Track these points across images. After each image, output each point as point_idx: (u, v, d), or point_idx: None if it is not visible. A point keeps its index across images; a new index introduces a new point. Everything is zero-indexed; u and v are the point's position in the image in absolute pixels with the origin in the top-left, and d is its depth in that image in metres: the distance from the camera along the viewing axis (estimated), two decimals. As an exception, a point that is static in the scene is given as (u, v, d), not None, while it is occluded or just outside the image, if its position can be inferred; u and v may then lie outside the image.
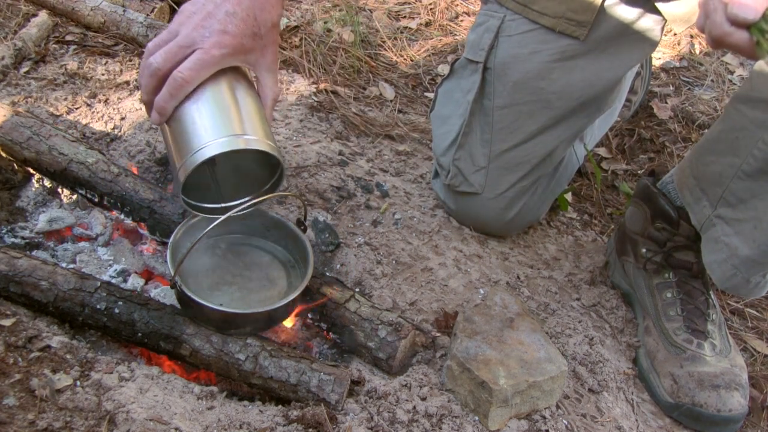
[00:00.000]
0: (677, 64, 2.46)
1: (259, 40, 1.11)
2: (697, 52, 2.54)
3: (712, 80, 2.39)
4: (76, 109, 1.71)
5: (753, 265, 1.30)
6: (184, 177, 1.07)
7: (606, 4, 1.39)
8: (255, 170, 1.22)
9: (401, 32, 2.36)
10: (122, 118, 1.70)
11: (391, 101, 2.07)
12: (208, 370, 1.21)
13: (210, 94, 1.07)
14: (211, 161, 1.11)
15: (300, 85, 2.00)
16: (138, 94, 1.78)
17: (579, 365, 1.40)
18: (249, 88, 1.12)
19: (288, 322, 1.35)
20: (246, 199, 1.22)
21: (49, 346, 1.13)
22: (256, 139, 1.07)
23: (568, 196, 1.81)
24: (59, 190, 1.49)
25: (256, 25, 1.09)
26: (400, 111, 2.03)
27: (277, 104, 1.90)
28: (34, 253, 1.35)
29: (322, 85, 2.01)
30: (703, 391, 1.36)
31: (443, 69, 2.23)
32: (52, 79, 1.77)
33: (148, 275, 1.41)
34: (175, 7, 2.07)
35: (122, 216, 1.44)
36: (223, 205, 1.22)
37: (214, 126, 1.06)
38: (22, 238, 1.39)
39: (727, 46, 0.93)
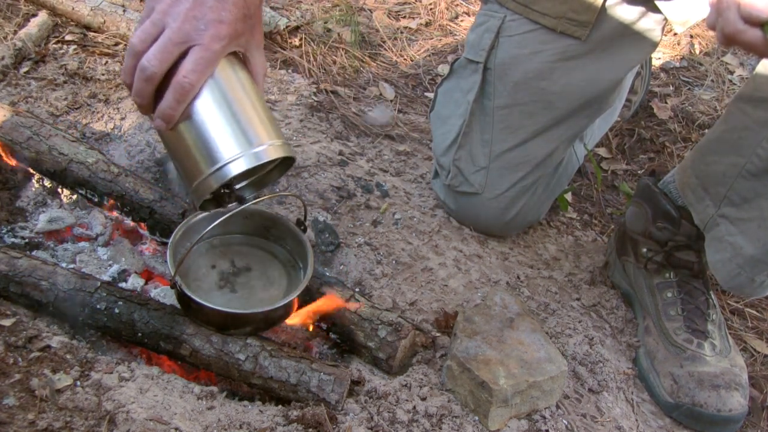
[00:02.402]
0: (677, 64, 2.46)
1: (250, 21, 1.05)
2: (697, 52, 2.54)
3: (712, 80, 2.39)
4: (76, 109, 1.71)
5: (757, 265, 1.30)
6: (205, 195, 1.05)
7: (607, 4, 1.39)
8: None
9: (401, 32, 2.36)
10: (122, 118, 1.70)
11: (391, 101, 2.07)
12: (208, 370, 1.21)
13: (213, 90, 1.04)
14: None
15: (300, 85, 2.00)
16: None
17: (579, 365, 1.40)
18: (244, 71, 1.09)
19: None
20: (252, 193, 1.21)
21: (49, 346, 1.13)
22: (270, 147, 1.05)
23: (568, 196, 1.81)
24: (59, 190, 1.49)
25: (245, 6, 1.02)
26: (400, 111, 2.03)
27: (277, 104, 1.90)
28: (34, 253, 1.35)
29: (322, 85, 2.01)
30: (703, 391, 1.36)
31: (443, 69, 2.23)
32: (52, 79, 1.77)
33: (148, 275, 1.41)
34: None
35: (122, 216, 1.44)
36: (232, 189, 1.20)
37: (226, 137, 1.03)
38: (22, 238, 1.39)
39: (740, 44, 0.93)
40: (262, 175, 1.19)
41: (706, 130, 2.14)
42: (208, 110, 1.03)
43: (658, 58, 2.46)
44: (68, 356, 1.13)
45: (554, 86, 1.48)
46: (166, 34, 0.98)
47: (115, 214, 1.45)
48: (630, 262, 1.56)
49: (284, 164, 1.16)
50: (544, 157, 1.56)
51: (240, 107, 1.05)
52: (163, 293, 1.34)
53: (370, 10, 2.42)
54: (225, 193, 1.17)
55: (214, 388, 1.17)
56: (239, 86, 1.07)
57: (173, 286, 1.16)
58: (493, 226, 1.63)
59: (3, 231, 1.40)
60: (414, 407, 1.19)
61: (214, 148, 1.03)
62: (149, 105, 1.03)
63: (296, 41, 2.17)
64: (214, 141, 1.03)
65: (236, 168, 1.02)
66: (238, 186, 1.19)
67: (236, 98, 1.05)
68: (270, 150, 1.05)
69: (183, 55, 0.99)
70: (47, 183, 1.49)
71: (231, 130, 1.03)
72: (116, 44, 1.95)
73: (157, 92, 1.02)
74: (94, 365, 1.13)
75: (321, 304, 1.30)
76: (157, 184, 1.51)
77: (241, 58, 1.10)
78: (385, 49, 2.27)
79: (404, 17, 2.45)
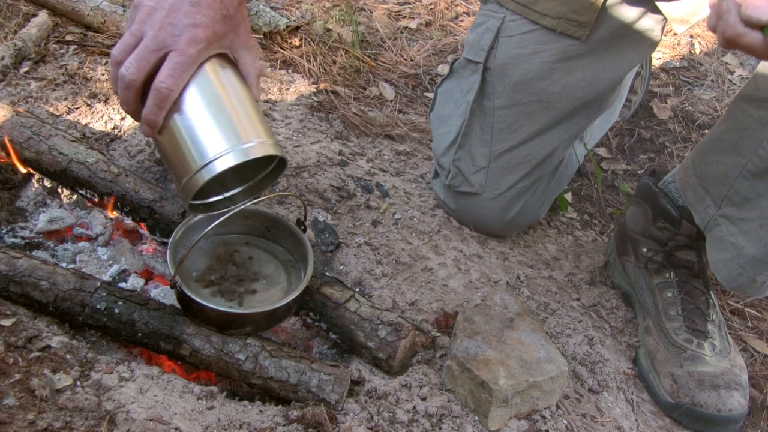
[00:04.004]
0: (677, 64, 2.46)
1: (230, 21, 1.04)
2: (697, 52, 2.54)
3: (712, 80, 2.39)
4: (76, 109, 1.71)
5: (759, 265, 1.30)
6: (193, 192, 1.04)
7: (607, 4, 1.39)
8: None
9: (401, 32, 2.36)
10: (122, 118, 1.70)
11: (391, 101, 2.07)
12: (208, 370, 1.21)
13: (197, 93, 1.03)
14: None
15: (300, 85, 2.00)
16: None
17: (579, 365, 1.40)
18: (232, 72, 1.08)
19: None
20: (246, 200, 1.20)
21: (49, 346, 1.13)
22: (259, 144, 1.05)
23: (568, 196, 1.81)
24: (59, 190, 1.49)
25: (223, 7, 1.03)
26: (400, 111, 2.03)
27: (277, 104, 1.90)
28: (34, 253, 1.35)
29: (322, 85, 2.01)
30: (703, 391, 1.36)
31: (443, 69, 2.23)
32: (52, 79, 1.77)
33: (148, 275, 1.41)
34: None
35: (122, 216, 1.44)
36: (225, 195, 1.19)
37: (213, 134, 1.03)
38: (22, 238, 1.39)
39: (740, 47, 0.93)
40: (255, 182, 1.18)
41: (706, 130, 2.14)
42: (194, 111, 1.03)
43: (658, 58, 2.46)
44: (68, 356, 1.13)
45: (554, 86, 1.47)
46: (143, 43, 1.00)
47: (115, 214, 1.45)
48: (630, 262, 1.56)
49: (276, 170, 1.15)
50: (544, 157, 1.56)
51: (228, 106, 1.04)
52: (163, 293, 1.34)
53: (370, 10, 2.42)
54: (217, 201, 1.17)
55: (214, 388, 1.17)
56: (228, 86, 1.06)
57: (173, 286, 1.17)
58: (493, 226, 1.63)
59: (3, 231, 1.40)
60: (414, 407, 1.19)
61: (202, 146, 1.02)
62: (136, 112, 1.04)
63: (296, 41, 2.17)
64: (201, 139, 1.03)
65: (224, 163, 1.02)
66: (231, 192, 1.18)
67: (224, 98, 1.05)
68: (259, 147, 1.04)
69: (162, 62, 1.00)
70: (47, 183, 1.49)
71: (219, 128, 1.03)
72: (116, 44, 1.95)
73: (143, 99, 1.02)
74: (94, 365, 1.13)
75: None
76: (157, 184, 1.51)
77: (231, 60, 1.09)
78: (385, 49, 2.27)
79: (404, 17, 2.45)
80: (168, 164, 1.10)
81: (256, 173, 1.18)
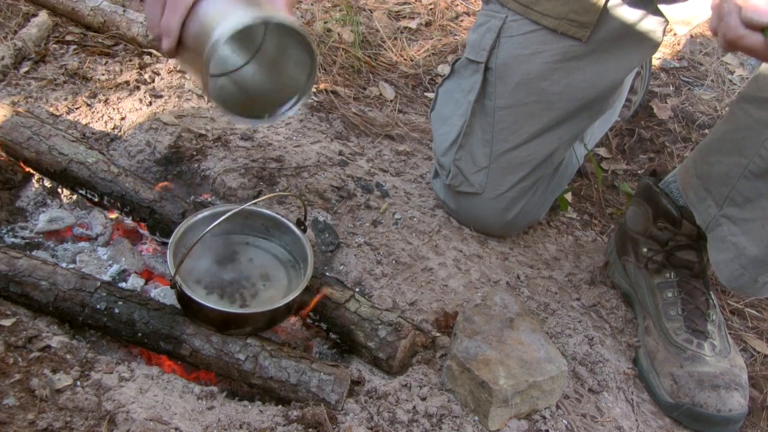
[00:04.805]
0: (677, 64, 2.46)
1: None
2: (697, 52, 2.54)
3: (712, 80, 2.39)
4: (76, 109, 1.71)
5: (761, 265, 1.30)
6: (211, 59, 0.92)
7: (609, 5, 1.39)
8: (287, 72, 1.06)
9: (401, 32, 2.36)
10: (122, 118, 1.70)
11: (391, 101, 2.07)
12: (208, 370, 1.21)
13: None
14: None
15: (300, 85, 2.00)
16: (138, 94, 1.78)
17: (579, 365, 1.40)
18: None
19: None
20: (250, 201, 1.19)
21: (49, 346, 1.13)
22: (281, 15, 0.95)
23: (568, 196, 1.81)
24: (59, 190, 1.49)
25: None
26: (400, 111, 2.03)
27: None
28: (34, 253, 1.35)
29: (322, 85, 2.01)
30: (703, 391, 1.36)
31: (443, 69, 2.23)
32: (52, 79, 1.77)
33: (148, 275, 1.41)
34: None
35: (122, 216, 1.44)
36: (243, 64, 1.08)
37: (232, 9, 0.93)
38: (22, 238, 1.39)
39: (741, 49, 0.93)
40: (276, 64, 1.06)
41: (706, 130, 2.14)
42: (212, 6, 0.95)
43: (658, 58, 2.46)
44: (68, 356, 1.13)
45: (555, 87, 1.47)
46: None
47: (114, 214, 1.45)
48: (630, 262, 1.56)
49: (312, 73, 1.02)
50: (545, 157, 1.56)
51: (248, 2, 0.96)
52: (163, 293, 1.34)
53: (370, 10, 2.42)
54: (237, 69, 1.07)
55: (214, 388, 1.17)
56: None
57: (173, 286, 1.16)
58: (494, 226, 1.63)
59: (3, 231, 1.40)
60: (414, 407, 1.19)
61: (218, 21, 0.93)
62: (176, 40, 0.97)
63: (296, 41, 2.16)
64: (218, 17, 0.93)
65: (240, 20, 0.91)
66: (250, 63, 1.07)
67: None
68: (279, 15, 0.94)
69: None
70: (47, 183, 1.49)
71: (238, 5, 0.94)
72: (116, 44, 1.95)
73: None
74: (94, 365, 1.13)
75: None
76: (157, 183, 1.51)
77: None
78: (385, 49, 2.27)
79: (404, 17, 2.45)
80: (193, 72, 1.01)
81: (287, 93, 1.05)
